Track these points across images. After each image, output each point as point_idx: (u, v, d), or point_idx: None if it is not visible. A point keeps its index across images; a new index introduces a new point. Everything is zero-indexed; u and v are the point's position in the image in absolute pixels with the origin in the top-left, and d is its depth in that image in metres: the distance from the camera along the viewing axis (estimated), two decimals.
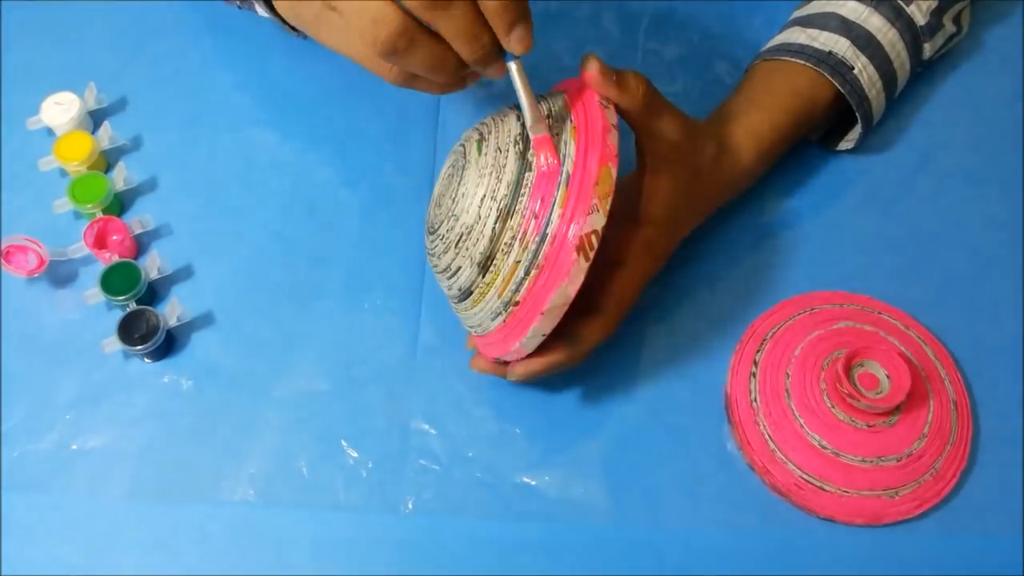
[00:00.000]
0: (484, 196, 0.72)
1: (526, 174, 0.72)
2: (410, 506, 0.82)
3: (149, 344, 0.85)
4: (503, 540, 0.81)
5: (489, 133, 0.76)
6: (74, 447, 0.84)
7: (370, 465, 0.84)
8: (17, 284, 0.91)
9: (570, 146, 0.72)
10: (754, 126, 0.89)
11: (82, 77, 1.00)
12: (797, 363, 0.86)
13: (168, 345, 0.89)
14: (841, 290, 0.92)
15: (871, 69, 0.92)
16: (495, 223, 0.71)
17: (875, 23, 0.92)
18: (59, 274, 0.92)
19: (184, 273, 0.93)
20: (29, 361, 0.88)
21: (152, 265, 0.90)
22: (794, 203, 0.96)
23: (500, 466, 0.84)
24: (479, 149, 0.75)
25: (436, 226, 0.77)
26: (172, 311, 0.88)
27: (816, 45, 0.92)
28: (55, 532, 0.81)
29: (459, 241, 0.74)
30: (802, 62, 0.91)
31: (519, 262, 0.71)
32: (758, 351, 0.88)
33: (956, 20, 0.98)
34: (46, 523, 0.81)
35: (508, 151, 0.73)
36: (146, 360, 0.88)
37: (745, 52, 1.02)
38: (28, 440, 0.85)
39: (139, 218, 0.93)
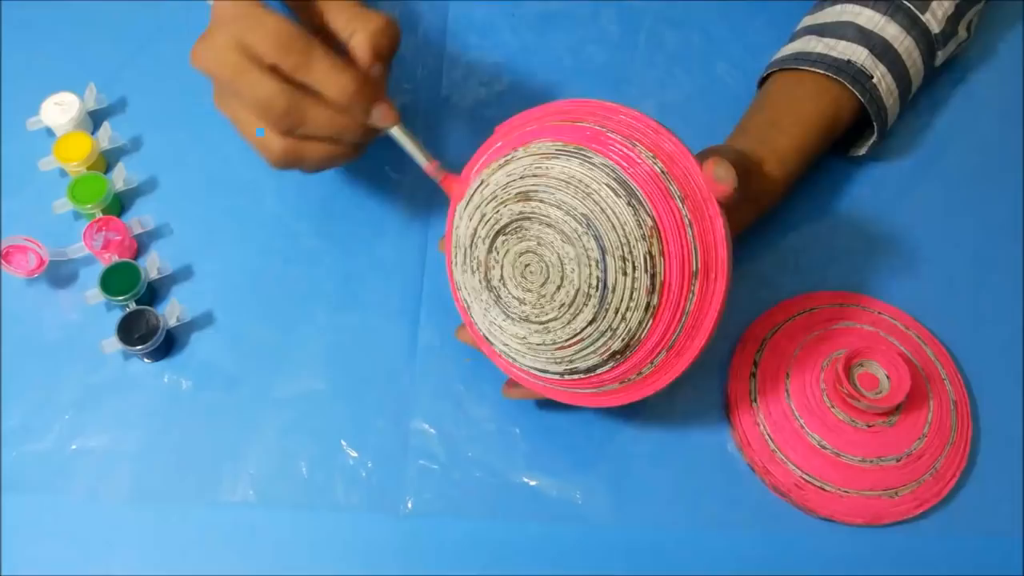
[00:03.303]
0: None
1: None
2: (410, 506, 0.82)
3: (149, 344, 0.85)
4: (503, 540, 0.81)
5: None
6: (74, 447, 0.84)
7: (370, 465, 0.84)
8: (17, 284, 0.91)
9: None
10: (781, 149, 0.88)
11: (82, 78, 1.00)
12: (797, 363, 0.86)
13: (168, 345, 0.89)
14: (841, 290, 0.92)
15: (889, 78, 0.91)
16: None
17: (891, 31, 0.92)
18: (59, 274, 0.92)
19: (184, 273, 0.93)
20: (29, 361, 0.88)
21: (152, 265, 0.90)
22: (795, 204, 0.96)
23: (500, 466, 0.84)
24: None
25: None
26: (172, 311, 0.88)
27: (835, 55, 0.91)
28: (55, 532, 0.81)
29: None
30: (822, 71, 0.91)
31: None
32: (758, 351, 0.88)
33: (968, 27, 0.98)
34: (46, 523, 0.81)
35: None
36: (146, 360, 0.88)
37: (746, 52, 1.02)
38: (28, 440, 0.85)
39: (139, 218, 0.93)
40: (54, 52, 1.04)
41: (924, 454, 0.83)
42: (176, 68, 1.03)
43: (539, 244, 0.72)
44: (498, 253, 0.75)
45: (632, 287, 0.69)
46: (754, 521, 0.83)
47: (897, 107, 0.94)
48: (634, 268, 0.69)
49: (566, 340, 0.73)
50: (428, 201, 0.95)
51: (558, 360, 0.75)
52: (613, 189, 0.69)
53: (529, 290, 0.74)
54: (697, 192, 0.70)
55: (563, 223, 0.71)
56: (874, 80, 0.91)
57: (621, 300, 0.70)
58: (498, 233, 0.74)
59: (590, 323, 0.72)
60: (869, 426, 0.82)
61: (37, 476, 0.83)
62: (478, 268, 0.77)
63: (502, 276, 0.75)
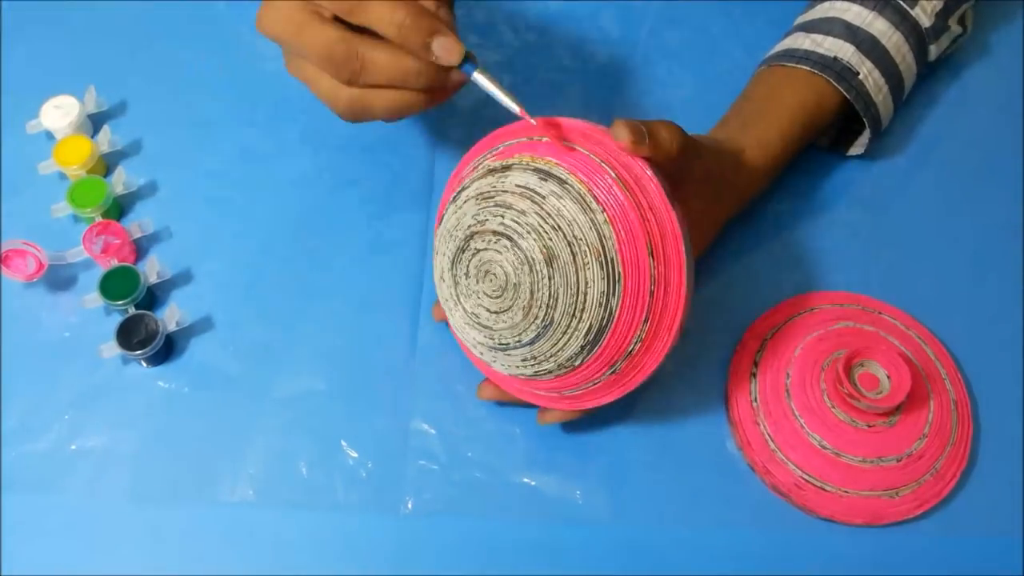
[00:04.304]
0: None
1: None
2: (410, 506, 0.82)
3: (148, 349, 0.85)
4: (503, 540, 0.81)
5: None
6: (73, 447, 0.84)
7: (370, 465, 0.84)
8: (16, 288, 0.91)
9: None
10: (763, 138, 0.89)
11: (82, 81, 1.00)
12: (797, 363, 0.86)
13: (167, 350, 0.89)
14: (841, 290, 0.92)
15: (876, 74, 0.92)
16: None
17: (879, 27, 0.92)
18: (58, 278, 0.92)
19: (183, 277, 0.93)
20: (28, 363, 0.88)
21: (151, 269, 0.90)
22: (794, 203, 0.96)
23: (500, 466, 0.84)
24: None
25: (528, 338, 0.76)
26: (171, 315, 0.88)
27: (821, 51, 0.92)
28: (55, 532, 0.81)
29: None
30: (807, 68, 0.91)
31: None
32: (758, 351, 0.88)
33: (961, 21, 0.98)
34: (46, 523, 0.81)
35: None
36: (145, 365, 0.88)
37: (746, 52, 1.02)
38: (27, 440, 0.84)
39: (138, 222, 0.93)
40: (54, 55, 1.05)
41: (924, 454, 0.82)
42: (177, 71, 1.04)
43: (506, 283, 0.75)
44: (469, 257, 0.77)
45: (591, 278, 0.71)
46: (754, 521, 0.83)
47: (890, 103, 0.94)
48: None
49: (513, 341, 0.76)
50: (428, 201, 0.95)
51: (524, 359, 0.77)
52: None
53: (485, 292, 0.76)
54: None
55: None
56: (860, 76, 0.91)
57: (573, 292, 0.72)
58: (468, 239, 0.76)
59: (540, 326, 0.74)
60: (869, 426, 0.82)
61: (36, 476, 0.83)
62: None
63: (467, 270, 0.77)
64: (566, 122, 0.75)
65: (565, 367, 0.74)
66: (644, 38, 1.07)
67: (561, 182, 0.71)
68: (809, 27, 0.95)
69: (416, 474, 0.84)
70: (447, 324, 0.86)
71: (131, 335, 0.86)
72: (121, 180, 0.95)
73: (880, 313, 0.90)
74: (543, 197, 0.71)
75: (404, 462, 0.84)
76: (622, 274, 0.70)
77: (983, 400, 0.88)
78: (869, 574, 0.81)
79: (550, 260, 0.71)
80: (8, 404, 0.86)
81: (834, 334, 0.87)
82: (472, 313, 0.77)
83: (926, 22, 0.93)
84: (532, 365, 0.76)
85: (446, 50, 0.71)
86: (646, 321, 0.72)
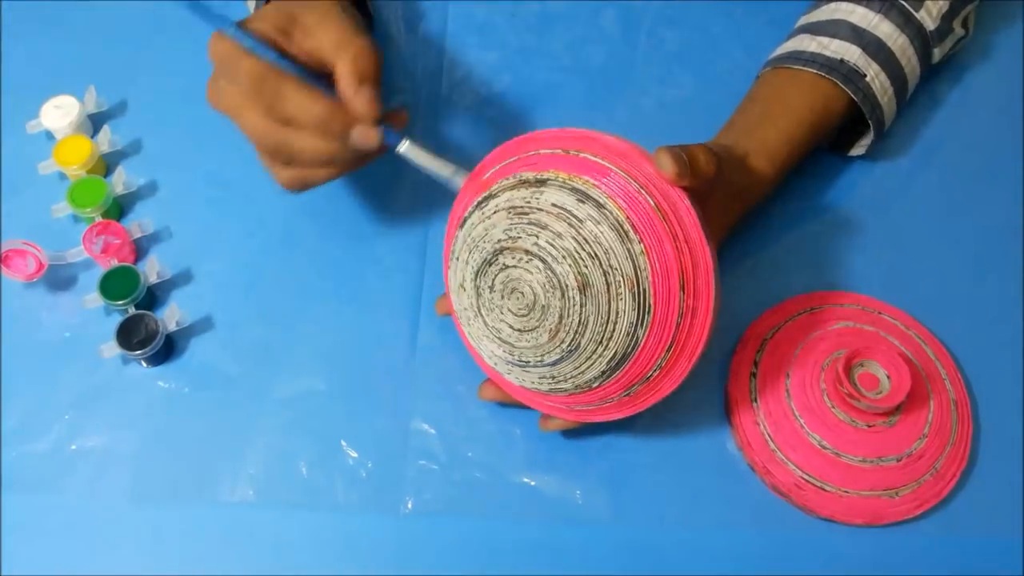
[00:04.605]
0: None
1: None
2: (410, 506, 0.82)
3: (148, 349, 0.85)
4: (503, 540, 0.81)
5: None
6: (73, 447, 0.84)
7: (370, 465, 0.84)
8: (16, 288, 0.91)
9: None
10: (770, 142, 0.89)
11: (82, 81, 1.00)
12: (797, 363, 0.86)
13: (167, 349, 0.89)
14: (841, 290, 0.92)
15: (883, 76, 0.91)
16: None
17: (885, 30, 0.92)
18: (58, 278, 0.92)
19: (183, 277, 0.93)
20: (28, 363, 0.88)
21: (151, 269, 0.90)
22: (795, 204, 0.96)
23: (500, 466, 0.84)
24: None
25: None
26: (171, 315, 0.88)
27: (828, 54, 0.92)
28: (54, 532, 0.81)
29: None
30: (814, 71, 0.91)
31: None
32: (758, 351, 0.87)
33: (964, 23, 0.98)
34: (45, 523, 0.81)
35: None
36: (145, 364, 0.88)
37: (746, 52, 1.02)
38: (27, 440, 0.85)
39: (138, 222, 0.93)
40: (54, 55, 1.05)
41: (924, 454, 0.82)
42: (176, 71, 1.03)
43: (533, 293, 0.74)
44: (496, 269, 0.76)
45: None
46: (754, 521, 0.83)
47: (894, 105, 0.94)
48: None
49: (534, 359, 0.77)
50: (428, 201, 0.95)
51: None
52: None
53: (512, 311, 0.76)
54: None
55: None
56: (867, 79, 0.91)
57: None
58: (498, 253, 0.75)
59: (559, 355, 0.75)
60: (869, 426, 0.82)
61: (36, 476, 0.83)
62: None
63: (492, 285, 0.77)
64: (603, 138, 0.74)
65: (582, 388, 0.75)
66: (644, 38, 1.07)
67: (599, 206, 0.70)
68: (814, 29, 0.95)
69: (416, 474, 0.84)
70: (451, 325, 0.86)
71: (131, 335, 0.86)
72: (121, 180, 0.95)
73: (880, 313, 0.90)
74: (580, 221, 0.71)
75: (404, 462, 0.84)
76: (652, 305, 0.70)
77: (983, 400, 0.88)
78: (869, 574, 0.81)
79: (583, 288, 0.71)
80: (8, 404, 0.86)
81: (834, 334, 0.87)
82: (494, 327, 0.77)
83: (931, 25, 0.93)
84: (549, 383, 0.76)
85: (363, 137, 0.78)
86: (669, 349, 0.72)
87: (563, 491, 0.83)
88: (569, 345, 0.73)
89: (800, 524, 0.82)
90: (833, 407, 0.83)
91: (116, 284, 0.88)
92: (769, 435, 0.84)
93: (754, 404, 0.85)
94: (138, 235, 0.93)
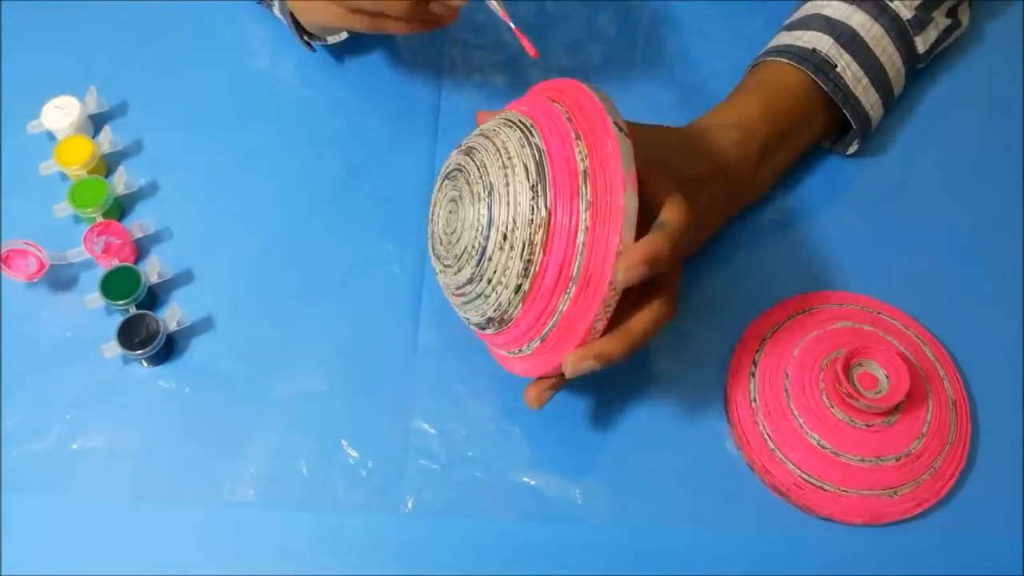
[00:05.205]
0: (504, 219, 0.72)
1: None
2: (410, 506, 0.82)
3: (149, 349, 0.85)
4: (503, 540, 0.81)
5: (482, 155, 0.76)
6: (74, 447, 0.84)
7: (370, 465, 0.84)
8: (17, 288, 0.91)
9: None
10: (749, 126, 0.90)
11: (83, 81, 1.00)
12: (796, 363, 0.86)
13: (168, 349, 0.89)
14: (841, 290, 0.92)
15: (855, 66, 0.92)
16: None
17: (858, 20, 0.93)
18: (59, 278, 0.92)
19: (184, 277, 0.93)
20: (29, 363, 0.88)
21: (152, 269, 0.90)
22: (793, 203, 0.97)
23: (500, 466, 0.84)
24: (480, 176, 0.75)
25: (454, 258, 0.77)
26: (172, 315, 0.88)
27: (800, 44, 0.93)
28: (55, 532, 0.81)
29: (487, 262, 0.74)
30: (785, 60, 0.92)
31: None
32: (757, 351, 0.88)
33: (952, 14, 0.98)
34: (46, 523, 0.81)
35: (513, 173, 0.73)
36: (146, 364, 0.88)
37: (744, 52, 1.02)
38: (28, 440, 0.85)
39: (139, 222, 0.93)
40: (55, 55, 1.05)
41: (923, 454, 0.83)
42: (178, 71, 1.04)
43: (459, 197, 0.76)
44: (441, 193, 0.79)
45: (505, 264, 0.72)
46: (753, 520, 0.83)
47: (874, 96, 0.94)
48: (511, 248, 0.71)
49: (456, 288, 0.77)
50: (428, 200, 0.95)
51: (458, 306, 0.79)
52: (527, 170, 0.71)
53: (445, 232, 0.78)
54: (607, 204, 0.70)
55: (476, 184, 0.74)
56: (838, 69, 0.91)
57: (494, 272, 0.73)
58: (445, 176, 0.79)
59: (468, 281, 0.75)
60: (868, 426, 0.82)
61: (37, 476, 0.83)
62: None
63: (438, 212, 0.79)
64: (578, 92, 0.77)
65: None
66: (642, 38, 1.07)
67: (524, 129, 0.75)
68: (792, 26, 0.96)
69: (416, 474, 0.84)
70: (451, 324, 0.87)
71: (132, 335, 0.86)
72: (122, 180, 0.95)
73: (879, 313, 0.90)
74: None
75: (404, 462, 0.84)
76: (550, 182, 0.71)
77: (981, 400, 0.88)
78: (868, 574, 0.81)
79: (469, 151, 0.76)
80: (9, 404, 0.86)
81: (833, 334, 0.88)
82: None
83: (907, 14, 0.93)
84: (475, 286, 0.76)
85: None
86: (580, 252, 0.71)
87: (563, 491, 0.83)
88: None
89: (799, 523, 0.82)
90: (832, 407, 0.83)
91: (117, 284, 0.88)
92: (768, 435, 0.84)
93: (753, 404, 0.85)
94: (139, 235, 0.93)
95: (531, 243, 0.70)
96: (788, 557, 0.81)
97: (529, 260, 0.71)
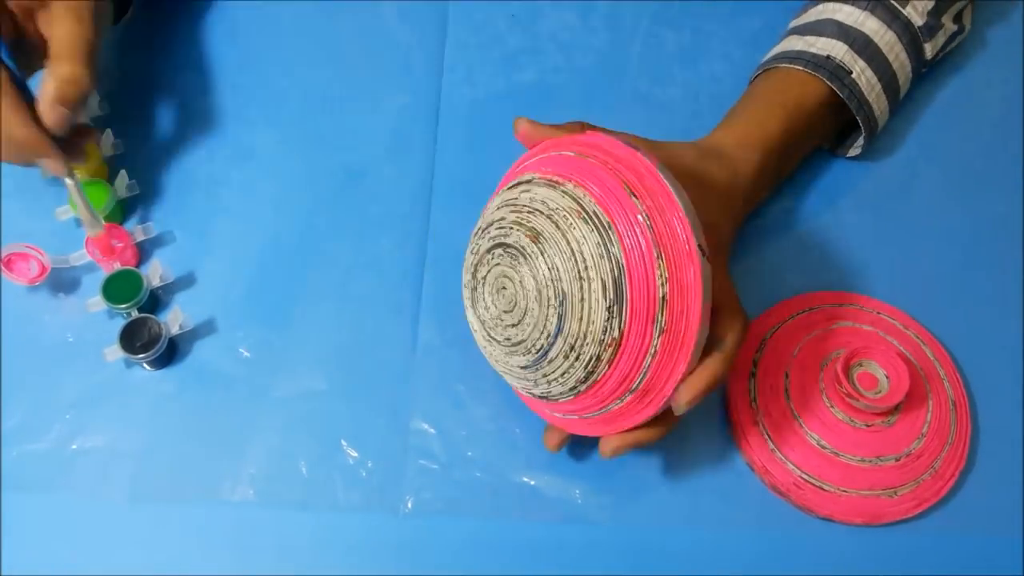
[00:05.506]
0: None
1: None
2: (410, 506, 0.82)
3: (151, 352, 0.85)
4: (503, 540, 0.81)
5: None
6: (74, 447, 0.84)
7: (370, 465, 0.84)
8: (19, 292, 0.91)
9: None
10: (761, 138, 0.88)
11: None
12: (796, 363, 0.86)
13: (170, 353, 0.89)
14: (841, 290, 0.92)
15: (869, 72, 0.92)
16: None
17: (871, 26, 0.92)
18: (61, 281, 0.92)
19: (186, 280, 0.93)
20: (30, 367, 0.88)
21: (154, 273, 0.90)
22: (794, 203, 0.97)
23: (500, 466, 0.84)
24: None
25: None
26: (174, 319, 0.88)
27: (814, 51, 0.92)
28: (55, 532, 0.81)
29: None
30: (799, 68, 0.91)
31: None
32: (757, 351, 0.88)
33: (958, 19, 0.99)
34: (46, 523, 0.81)
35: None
36: (148, 368, 0.88)
37: (744, 52, 1.02)
38: (28, 440, 0.85)
39: (141, 226, 0.93)
40: None
41: (923, 454, 0.83)
42: (178, 72, 1.04)
43: (519, 285, 0.72)
44: (491, 256, 0.75)
45: (566, 369, 0.71)
46: (753, 521, 0.83)
47: (884, 102, 0.94)
48: (576, 359, 0.70)
49: (503, 361, 0.77)
50: (428, 200, 0.96)
51: (496, 365, 0.79)
52: (605, 288, 0.68)
53: (495, 304, 0.75)
54: (681, 333, 0.69)
55: (546, 287, 0.70)
56: (853, 75, 0.91)
57: (552, 371, 0.72)
58: (497, 244, 0.74)
59: (521, 367, 0.75)
60: (868, 426, 0.83)
61: (37, 476, 0.83)
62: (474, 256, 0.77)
63: (485, 277, 0.76)
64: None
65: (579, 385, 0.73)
66: (640, 38, 1.07)
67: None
68: (802, 30, 0.95)
69: (416, 474, 0.84)
70: (451, 324, 0.88)
71: (134, 339, 0.86)
72: (124, 184, 0.95)
73: (879, 313, 0.90)
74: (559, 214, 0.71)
75: (404, 462, 0.84)
76: (627, 296, 0.68)
77: (981, 400, 0.88)
78: (868, 574, 0.81)
79: (536, 238, 0.70)
80: (9, 404, 0.86)
81: (833, 334, 0.88)
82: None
83: (918, 20, 0.93)
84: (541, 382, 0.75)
85: (51, 169, 0.84)
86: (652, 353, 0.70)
87: (563, 491, 0.83)
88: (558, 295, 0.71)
89: (799, 523, 0.83)
90: (832, 407, 0.83)
91: (119, 287, 0.88)
92: (768, 435, 0.84)
93: (753, 404, 0.85)
94: (141, 238, 0.93)
95: (598, 359, 0.69)
96: (788, 557, 0.81)
97: (592, 372, 0.70)
